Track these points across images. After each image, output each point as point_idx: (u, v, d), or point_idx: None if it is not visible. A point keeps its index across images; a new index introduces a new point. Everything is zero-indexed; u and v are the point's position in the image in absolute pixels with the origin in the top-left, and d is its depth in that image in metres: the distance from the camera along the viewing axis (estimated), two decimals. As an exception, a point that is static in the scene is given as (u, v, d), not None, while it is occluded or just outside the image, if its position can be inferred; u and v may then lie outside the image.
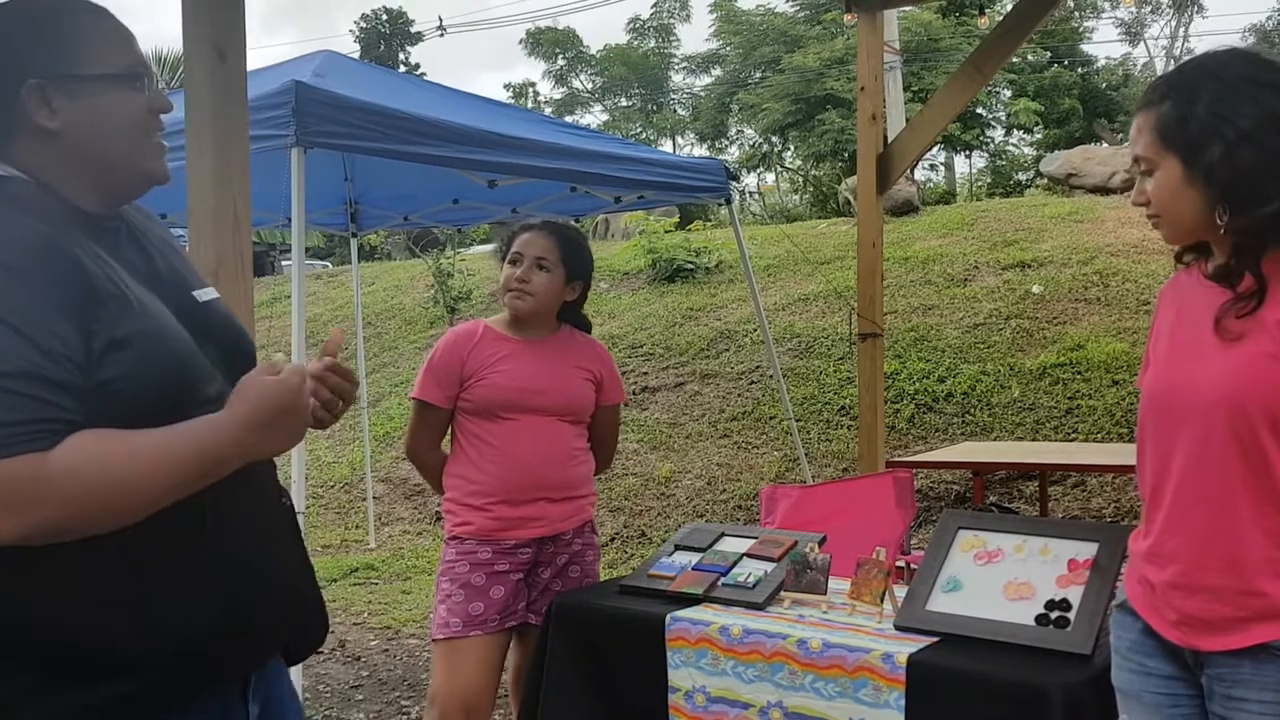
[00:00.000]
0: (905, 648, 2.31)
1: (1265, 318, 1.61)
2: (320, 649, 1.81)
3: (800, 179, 22.92)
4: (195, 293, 1.51)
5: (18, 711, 1.29)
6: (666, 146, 27.62)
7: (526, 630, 2.99)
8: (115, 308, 1.32)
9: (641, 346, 9.86)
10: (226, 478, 1.34)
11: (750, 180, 25.31)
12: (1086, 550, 2.45)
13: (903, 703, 2.25)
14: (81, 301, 1.28)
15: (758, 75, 23.48)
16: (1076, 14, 24.11)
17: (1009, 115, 21.48)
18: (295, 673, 2.22)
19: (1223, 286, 1.67)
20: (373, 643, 5.39)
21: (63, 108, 1.39)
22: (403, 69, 29.37)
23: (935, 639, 2.37)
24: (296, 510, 1.68)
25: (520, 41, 30.14)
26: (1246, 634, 1.62)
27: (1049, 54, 23.30)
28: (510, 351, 2.96)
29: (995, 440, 7.39)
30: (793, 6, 23.68)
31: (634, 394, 9.05)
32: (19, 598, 1.29)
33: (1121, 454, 5.73)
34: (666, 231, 12.25)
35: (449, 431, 3.06)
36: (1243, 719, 1.63)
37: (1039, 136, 22.91)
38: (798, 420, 7.30)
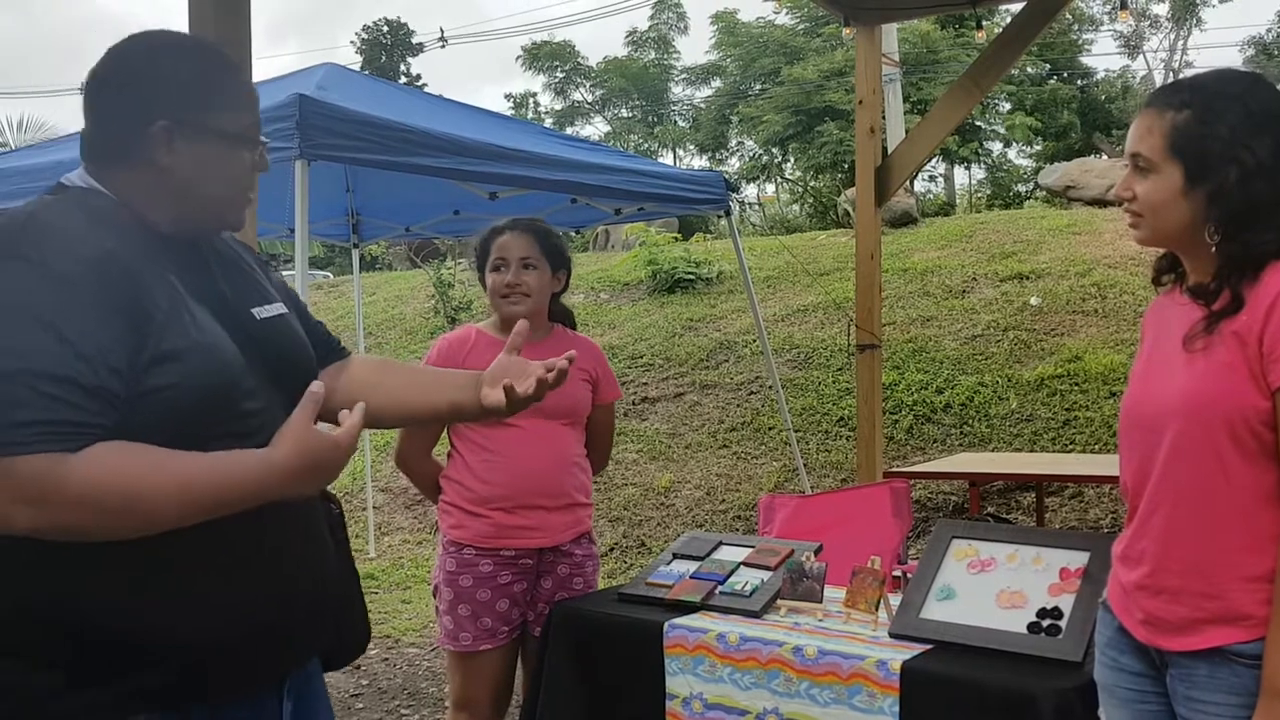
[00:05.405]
0: (899, 655, 2.34)
1: (1223, 329, 1.65)
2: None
3: (800, 190, 22.97)
4: (255, 310, 1.55)
5: (49, 703, 1.33)
6: (667, 158, 27.63)
7: (528, 641, 3.02)
8: (168, 322, 1.37)
9: (641, 357, 9.89)
10: None
11: (750, 191, 25.35)
12: (1078, 559, 2.48)
13: (896, 709, 2.28)
14: (132, 313, 1.34)
15: (757, 87, 23.53)
16: (1075, 27, 24.16)
17: (1006, 129, 21.53)
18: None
19: (1198, 303, 1.71)
20: (373, 651, 5.40)
21: (180, 150, 1.47)
22: (404, 80, 29.43)
23: (929, 646, 2.40)
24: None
25: (517, 59, 30.11)
26: (1202, 636, 1.66)
27: (1048, 66, 23.36)
28: None
29: (993, 451, 7.41)
30: (792, 19, 23.75)
31: (634, 404, 9.07)
32: (54, 591, 1.34)
33: (1118, 466, 5.74)
34: (667, 243, 12.28)
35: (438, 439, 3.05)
36: None
37: (1038, 149, 22.96)
38: (796, 431, 7.32)
